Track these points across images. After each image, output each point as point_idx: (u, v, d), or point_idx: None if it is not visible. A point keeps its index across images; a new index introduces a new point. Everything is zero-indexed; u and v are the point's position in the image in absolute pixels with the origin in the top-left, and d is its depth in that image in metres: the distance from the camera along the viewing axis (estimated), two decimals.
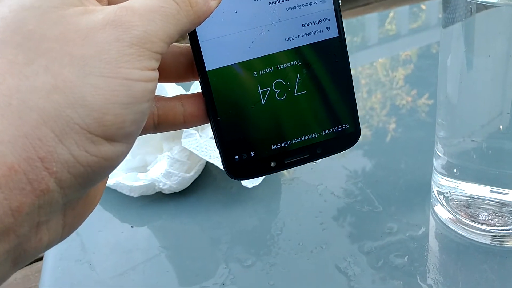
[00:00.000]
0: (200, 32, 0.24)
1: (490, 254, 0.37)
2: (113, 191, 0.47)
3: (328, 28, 0.26)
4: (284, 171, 0.48)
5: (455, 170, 0.38)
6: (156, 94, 0.25)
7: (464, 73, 0.35)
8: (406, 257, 0.38)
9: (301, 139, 0.27)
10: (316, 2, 0.26)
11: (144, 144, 0.47)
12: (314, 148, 0.27)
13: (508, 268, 0.36)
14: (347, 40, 0.27)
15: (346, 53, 0.26)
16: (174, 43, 0.23)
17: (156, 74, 0.21)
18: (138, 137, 0.54)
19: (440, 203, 0.40)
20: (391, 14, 0.91)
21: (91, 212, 0.23)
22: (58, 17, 0.19)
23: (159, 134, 0.46)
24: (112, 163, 0.20)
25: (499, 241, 0.37)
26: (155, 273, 0.40)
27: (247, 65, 0.25)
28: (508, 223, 0.37)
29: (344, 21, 0.26)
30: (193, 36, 0.24)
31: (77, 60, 0.18)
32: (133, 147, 0.56)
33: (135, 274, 0.40)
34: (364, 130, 0.56)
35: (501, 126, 0.35)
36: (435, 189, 0.41)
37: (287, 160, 0.27)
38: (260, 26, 0.25)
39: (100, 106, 0.18)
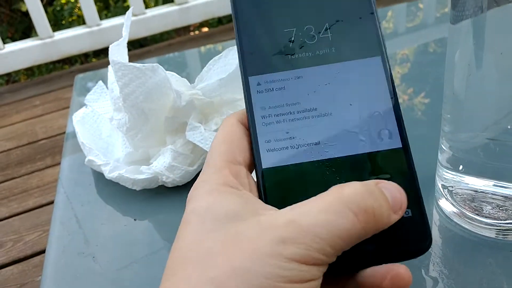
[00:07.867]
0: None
1: (495, 248, 0.37)
2: (115, 184, 0.47)
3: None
4: None
5: (460, 165, 0.38)
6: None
7: (472, 69, 0.35)
8: None
9: None
10: None
11: (147, 137, 0.46)
12: None
13: None
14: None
15: None
16: None
17: (315, 283, 0.21)
18: (141, 130, 0.52)
19: (445, 197, 0.40)
20: (390, 13, 0.91)
21: None
22: (224, 230, 0.21)
23: (162, 127, 0.46)
24: None
25: (504, 235, 0.37)
26: (158, 266, 0.40)
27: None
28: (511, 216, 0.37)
29: None
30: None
31: (240, 271, 0.19)
32: (136, 140, 0.54)
33: (138, 267, 0.40)
34: None
35: (509, 126, 0.35)
36: (439, 183, 0.41)
37: None
38: None
39: None
